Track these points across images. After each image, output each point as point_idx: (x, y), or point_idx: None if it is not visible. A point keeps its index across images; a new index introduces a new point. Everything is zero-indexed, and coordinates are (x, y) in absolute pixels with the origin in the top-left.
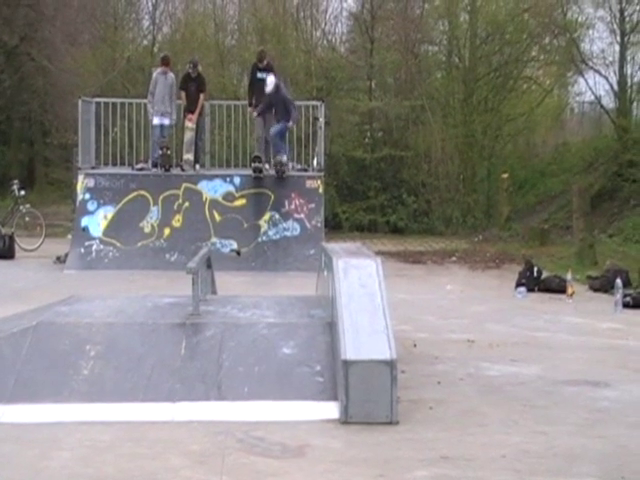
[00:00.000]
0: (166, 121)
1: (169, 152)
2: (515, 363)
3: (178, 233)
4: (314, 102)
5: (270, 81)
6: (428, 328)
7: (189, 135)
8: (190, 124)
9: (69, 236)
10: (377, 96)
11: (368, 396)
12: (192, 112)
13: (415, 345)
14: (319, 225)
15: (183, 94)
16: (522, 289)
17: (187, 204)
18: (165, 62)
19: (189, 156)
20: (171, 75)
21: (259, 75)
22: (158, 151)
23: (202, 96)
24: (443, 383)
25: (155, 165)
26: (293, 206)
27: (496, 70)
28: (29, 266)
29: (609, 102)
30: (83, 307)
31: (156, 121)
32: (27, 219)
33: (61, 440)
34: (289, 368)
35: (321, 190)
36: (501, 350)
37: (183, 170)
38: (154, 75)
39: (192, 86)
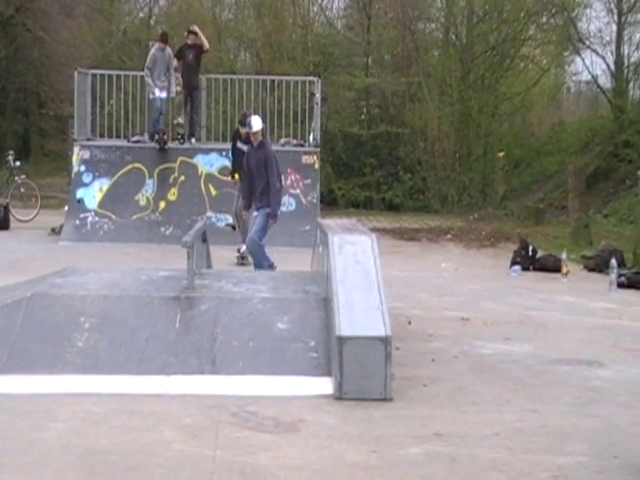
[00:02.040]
0: (164, 94)
1: (165, 137)
2: (509, 342)
3: (173, 207)
4: (311, 78)
5: (256, 122)
6: (423, 305)
7: (177, 98)
8: (178, 88)
9: (65, 208)
10: (374, 73)
11: (362, 372)
12: (191, 82)
13: (410, 322)
14: (315, 201)
15: (176, 61)
16: (517, 268)
17: (183, 178)
18: (163, 39)
19: (180, 119)
20: (169, 51)
21: (239, 145)
22: (157, 125)
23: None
24: (437, 361)
25: (152, 137)
26: (289, 182)
27: (493, 48)
28: (24, 237)
29: (606, 82)
30: (78, 279)
31: (157, 93)
32: (22, 190)
33: (55, 412)
34: (283, 343)
35: (317, 166)
36: (495, 328)
37: (179, 135)
38: (152, 51)
39: (190, 54)
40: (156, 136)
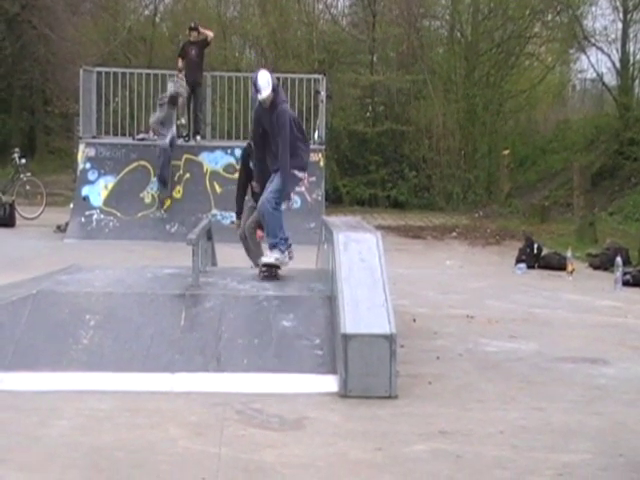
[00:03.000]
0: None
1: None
2: (514, 339)
3: (178, 204)
4: (316, 75)
5: (263, 81)
6: (427, 303)
7: (180, 100)
8: (181, 89)
9: (70, 205)
10: (379, 70)
11: (367, 370)
12: (195, 79)
13: (414, 320)
14: (320, 199)
15: (180, 60)
16: (522, 265)
17: (188, 175)
18: (174, 101)
19: (183, 120)
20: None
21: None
22: (166, 171)
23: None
24: (442, 358)
25: (164, 182)
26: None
27: (498, 46)
28: (29, 235)
29: (611, 80)
30: (83, 276)
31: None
32: (28, 187)
33: (60, 409)
34: (288, 341)
35: (322, 164)
36: (500, 326)
37: (182, 135)
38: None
39: (192, 50)
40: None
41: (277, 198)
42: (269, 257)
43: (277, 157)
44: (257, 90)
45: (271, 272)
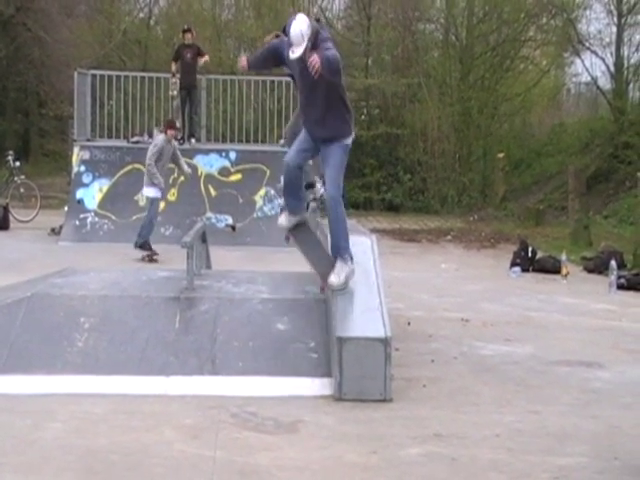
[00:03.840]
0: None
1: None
2: (509, 342)
3: (173, 207)
4: None
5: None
6: (422, 306)
7: (174, 103)
8: (175, 92)
9: (65, 208)
10: (374, 73)
11: (362, 373)
12: (190, 82)
13: (409, 323)
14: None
15: (174, 63)
16: (517, 269)
17: (182, 178)
18: (172, 125)
19: (177, 123)
20: (174, 144)
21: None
22: (149, 231)
23: (207, 56)
24: (437, 361)
25: (144, 246)
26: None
27: (493, 49)
28: (24, 237)
29: (605, 83)
30: (78, 279)
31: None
32: (22, 190)
33: (54, 412)
34: (283, 344)
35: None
36: (495, 329)
37: (176, 138)
38: (159, 142)
39: (187, 53)
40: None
41: (340, 187)
42: (339, 277)
43: (324, 118)
44: (290, 44)
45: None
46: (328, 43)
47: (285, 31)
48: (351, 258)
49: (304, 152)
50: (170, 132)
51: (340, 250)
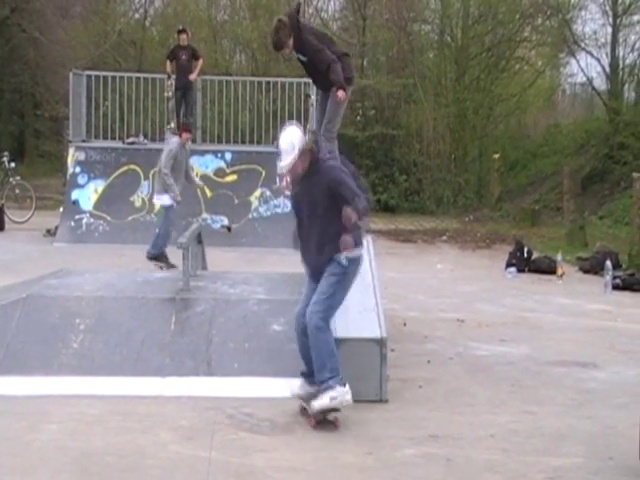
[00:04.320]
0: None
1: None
2: (504, 343)
3: None
4: (306, 79)
5: (286, 144)
6: (418, 307)
7: (170, 104)
8: (170, 94)
9: (60, 209)
10: (369, 74)
11: (358, 374)
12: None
13: (405, 324)
14: None
15: (169, 64)
16: (512, 269)
17: None
18: (188, 128)
19: (172, 124)
20: (189, 146)
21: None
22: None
23: (201, 60)
24: (433, 362)
25: (159, 257)
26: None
27: (488, 50)
28: (19, 238)
29: (601, 84)
30: (73, 280)
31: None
32: (17, 191)
33: (50, 413)
34: (279, 345)
35: None
36: (490, 330)
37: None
38: (172, 146)
39: (183, 55)
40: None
41: (325, 312)
42: (321, 399)
43: (323, 242)
44: (280, 159)
45: (326, 418)
46: (323, 149)
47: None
48: (342, 384)
49: None
50: (185, 135)
51: (321, 378)
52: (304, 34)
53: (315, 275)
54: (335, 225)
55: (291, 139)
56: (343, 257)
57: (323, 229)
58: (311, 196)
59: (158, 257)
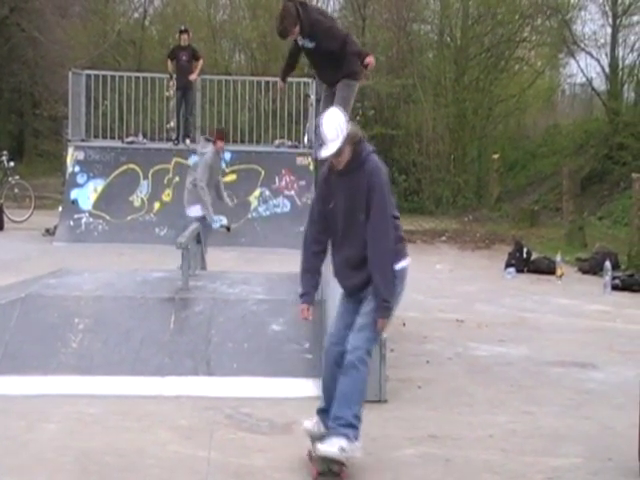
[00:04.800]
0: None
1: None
2: (503, 343)
3: (168, 207)
4: (305, 79)
5: (331, 130)
6: (417, 307)
7: (171, 103)
8: (170, 93)
9: (59, 208)
10: (368, 74)
11: None
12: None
13: (404, 324)
14: (309, 202)
15: (170, 63)
16: (511, 270)
17: (177, 179)
18: (221, 135)
19: (172, 123)
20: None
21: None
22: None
23: (201, 61)
24: (432, 362)
25: None
26: (283, 183)
27: (488, 50)
28: (18, 238)
29: (600, 84)
30: (72, 280)
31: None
32: (16, 191)
33: (48, 412)
34: (278, 345)
35: (312, 167)
36: (490, 330)
37: (171, 139)
38: (207, 157)
39: (183, 55)
40: None
41: (369, 346)
42: (330, 444)
43: (360, 264)
44: (323, 144)
45: (331, 469)
46: (367, 146)
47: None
48: (358, 438)
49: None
50: (220, 143)
51: (340, 418)
52: (312, 15)
53: (354, 294)
54: (375, 241)
55: (337, 122)
56: (395, 270)
57: (364, 240)
58: (349, 198)
59: None
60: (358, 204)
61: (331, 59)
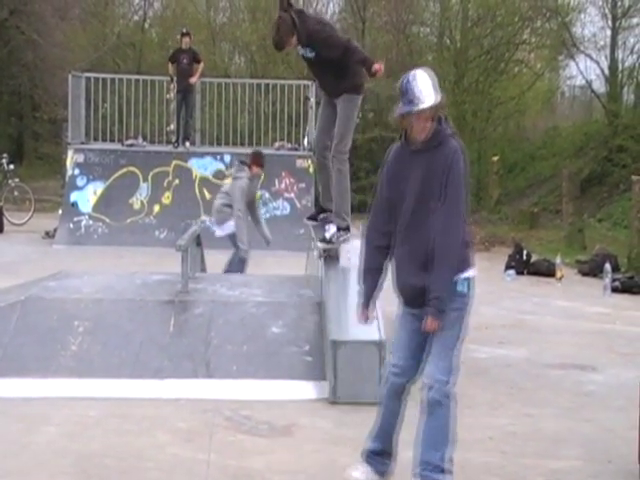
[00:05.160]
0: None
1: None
2: (503, 346)
3: (168, 210)
4: (305, 81)
5: (425, 86)
6: None
7: (171, 106)
8: (171, 96)
9: (59, 211)
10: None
11: (356, 376)
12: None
13: None
14: (309, 205)
15: (171, 66)
16: (511, 272)
17: (177, 181)
18: (259, 161)
19: (172, 126)
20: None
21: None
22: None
23: (202, 64)
24: None
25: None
26: (283, 185)
27: (487, 53)
28: (18, 240)
29: (600, 86)
30: (71, 283)
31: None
32: (16, 193)
33: (48, 415)
34: (278, 347)
35: (311, 170)
36: (489, 332)
37: (171, 142)
38: (242, 182)
39: (184, 58)
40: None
41: (455, 370)
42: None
43: (423, 263)
44: (411, 100)
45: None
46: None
47: (404, 89)
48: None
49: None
50: (256, 170)
51: (429, 463)
52: (309, 24)
53: (414, 300)
54: (447, 234)
55: (433, 81)
56: (463, 278)
57: (432, 233)
58: (423, 180)
59: None
60: (432, 189)
61: (333, 69)
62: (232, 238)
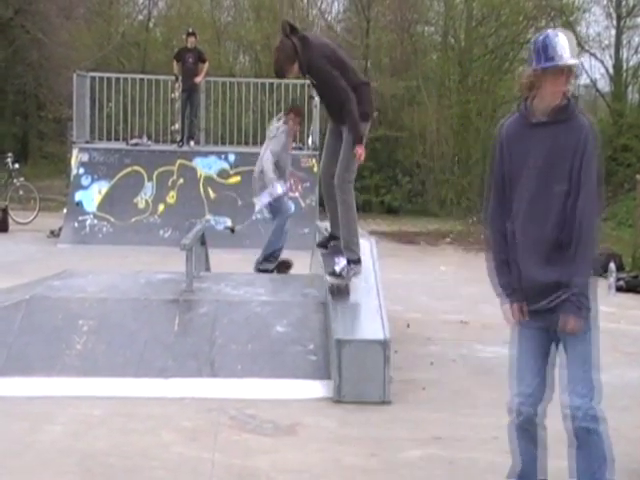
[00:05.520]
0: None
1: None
2: (508, 345)
3: (172, 209)
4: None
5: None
6: (421, 309)
7: (176, 105)
8: (176, 95)
9: (64, 210)
10: (372, 76)
11: (361, 376)
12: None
13: (408, 325)
14: (313, 204)
15: (176, 65)
16: None
17: (182, 180)
18: (298, 111)
19: (177, 125)
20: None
21: None
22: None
23: (207, 64)
24: (436, 364)
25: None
26: (287, 184)
27: (492, 52)
28: (23, 239)
29: (604, 86)
30: (76, 282)
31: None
32: (21, 192)
33: (53, 414)
34: (282, 346)
35: (316, 169)
36: (494, 332)
37: (176, 141)
38: (281, 134)
39: (189, 57)
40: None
41: (598, 389)
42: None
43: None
44: (552, 57)
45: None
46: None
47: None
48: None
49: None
50: (292, 122)
51: None
52: (314, 56)
53: (544, 299)
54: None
55: (572, 45)
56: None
57: (559, 219)
58: (547, 158)
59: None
60: (558, 171)
61: (335, 101)
62: (270, 207)
